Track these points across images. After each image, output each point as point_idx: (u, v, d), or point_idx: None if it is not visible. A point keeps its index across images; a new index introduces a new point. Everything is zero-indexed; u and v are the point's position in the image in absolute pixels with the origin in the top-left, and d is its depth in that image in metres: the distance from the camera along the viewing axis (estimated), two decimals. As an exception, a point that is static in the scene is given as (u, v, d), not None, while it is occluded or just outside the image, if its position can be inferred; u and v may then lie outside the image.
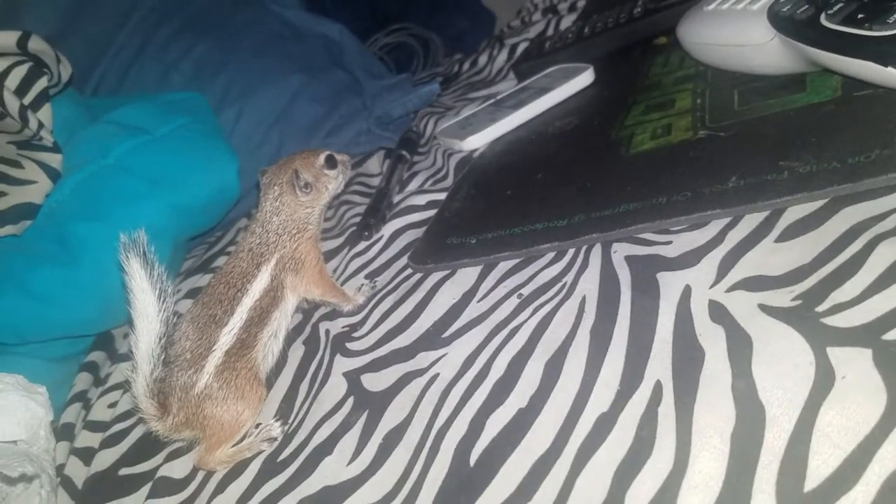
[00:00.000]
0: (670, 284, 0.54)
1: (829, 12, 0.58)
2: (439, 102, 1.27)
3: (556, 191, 0.74)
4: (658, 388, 0.47)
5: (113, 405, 0.84)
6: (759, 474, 0.39)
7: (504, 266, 0.68)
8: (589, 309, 0.57)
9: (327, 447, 0.61)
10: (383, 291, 0.76)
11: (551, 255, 0.66)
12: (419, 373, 0.62)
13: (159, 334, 0.69)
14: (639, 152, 0.72)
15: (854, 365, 0.41)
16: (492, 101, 1.06)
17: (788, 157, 0.58)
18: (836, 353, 0.42)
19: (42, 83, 0.91)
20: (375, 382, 0.64)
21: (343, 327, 0.74)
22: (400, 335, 0.68)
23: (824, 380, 0.41)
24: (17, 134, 0.89)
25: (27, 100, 0.89)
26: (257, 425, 0.69)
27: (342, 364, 0.69)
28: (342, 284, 0.81)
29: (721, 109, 0.71)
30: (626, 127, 0.78)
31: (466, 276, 0.70)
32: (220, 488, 0.64)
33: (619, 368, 0.51)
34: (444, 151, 1.01)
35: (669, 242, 0.58)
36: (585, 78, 0.96)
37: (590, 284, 0.59)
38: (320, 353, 0.73)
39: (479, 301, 0.66)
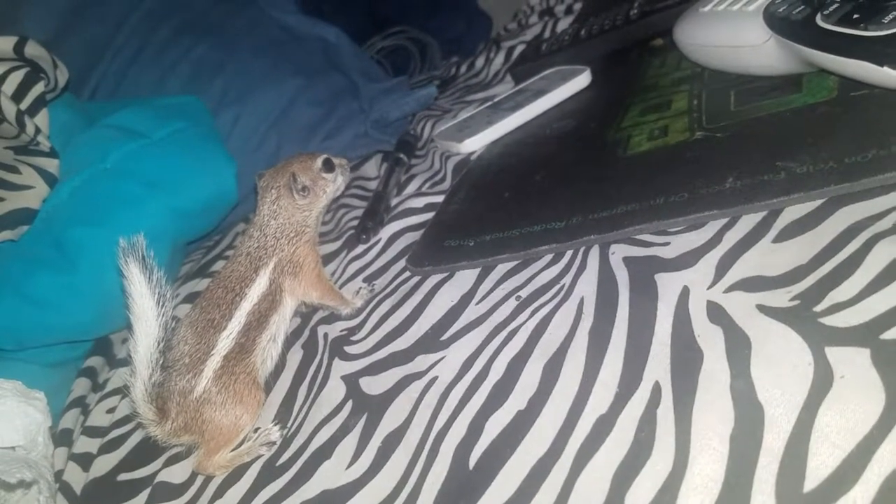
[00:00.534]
0: (668, 285, 0.54)
1: (824, 13, 0.58)
2: (436, 105, 1.27)
3: (553, 193, 0.74)
4: (657, 389, 0.47)
5: (111, 410, 0.83)
6: (759, 475, 0.39)
7: (502, 268, 0.68)
8: (587, 310, 0.57)
9: (326, 451, 0.61)
10: (381, 294, 0.76)
11: (549, 256, 0.66)
12: (418, 375, 0.62)
13: (158, 339, 0.69)
14: (636, 154, 0.72)
15: (852, 365, 0.41)
16: (489, 103, 1.06)
17: (785, 157, 0.58)
18: (834, 353, 0.42)
19: (39, 88, 0.91)
20: (374, 386, 0.64)
21: (342, 331, 0.74)
22: (398, 338, 0.68)
23: (823, 380, 0.41)
24: (14, 139, 0.89)
25: (24, 105, 0.89)
26: (256, 429, 0.69)
27: (341, 368, 0.69)
28: (340, 288, 0.81)
29: (718, 110, 0.71)
30: (623, 129, 0.78)
31: (464, 278, 0.70)
32: (220, 493, 0.64)
33: (617, 370, 0.50)
34: (441, 154, 1.00)
35: (667, 243, 0.58)
36: (582, 80, 0.96)
37: (588, 286, 0.59)
38: (319, 356, 0.73)
39: (477, 303, 0.66)
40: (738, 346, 0.46)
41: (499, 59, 1.35)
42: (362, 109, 1.23)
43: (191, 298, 0.94)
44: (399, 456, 0.56)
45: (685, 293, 0.53)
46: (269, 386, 0.73)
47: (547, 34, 1.33)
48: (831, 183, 0.53)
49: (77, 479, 0.76)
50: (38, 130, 0.89)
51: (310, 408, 0.67)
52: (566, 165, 0.79)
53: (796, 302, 0.46)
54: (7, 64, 0.90)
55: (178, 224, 0.95)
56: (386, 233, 0.86)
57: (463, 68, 1.47)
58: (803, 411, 0.40)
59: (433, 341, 0.65)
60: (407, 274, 0.77)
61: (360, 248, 0.86)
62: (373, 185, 1.07)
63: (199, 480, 0.67)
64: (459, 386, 0.58)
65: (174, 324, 0.71)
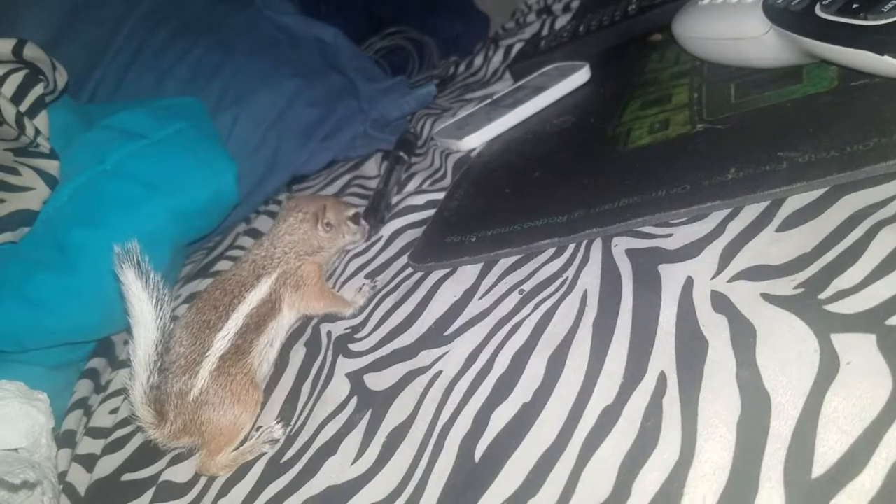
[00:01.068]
0: (672, 276, 0.54)
1: (823, 3, 0.58)
2: (436, 104, 1.27)
3: (554, 187, 0.74)
4: (662, 379, 0.47)
5: (114, 411, 0.83)
6: (766, 462, 0.39)
7: (504, 263, 0.68)
8: (591, 303, 0.57)
9: (331, 447, 0.60)
10: (384, 291, 0.76)
11: (552, 251, 0.66)
12: (422, 371, 0.62)
13: (156, 341, 0.69)
14: (637, 147, 0.72)
15: (858, 350, 0.41)
16: (489, 100, 1.06)
17: (787, 147, 0.58)
18: (840, 340, 0.42)
19: (38, 90, 0.91)
20: (378, 382, 0.64)
21: (345, 329, 0.74)
22: (402, 334, 0.68)
23: (829, 366, 0.41)
24: (13, 141, 0.89)
25: (23, 107, 0.89)
26: (258, 428, 0.69)
27: (345, 365, 0.68)
28: (342, 285, 0.81)
29: (718, 103, 0.71)
30: (624, 123, 0.78)
31: (467, 273, 0.70)
32: (224, 491, 0.64)
33: (622, 361, 0.50)
34: (441, 152, 1.00)
35: (670, 235, 0.58)
36: (582, 76, 0.96)
37: (591, 279, 0.59)
38: (322, 354, 0.73)
39: (480, 298, 0.66)
40: (744, 335, 0.46)
41: (497, 58, 1.35)
42: (361, 109, 1.23)
43: (192, 299, 0.94)
44: (404, 450, 0.55)
45: (689, 283, 0.52)
46: (272, 385, 0.73)
47: (545, 32, 1.33)
48: (833, 171, 0.53)
49: (81, 479, 0.76)
50: (37, 132, 0.89)
51: (314, 405, 0.67)
52: (567, 160, 0.79)
53: (801, 290, 0.46)
54: (6, 66, 0.90)
55: (179, 225, 0.95)
56: (387, 230, 0.86)
57: (461, 67, 1.47)
58: (810, 398, 0.40)
59: (437, 336, 0.65)
60: (409, 270, 0.76)
61: (361, 246, 0.86)
62: (373, 183, 1.07)
63: (203, 479, 0.67)
64: (464, 380, 0.58)
65: (172, 326, 0.71)
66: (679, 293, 0.52)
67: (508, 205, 0.76)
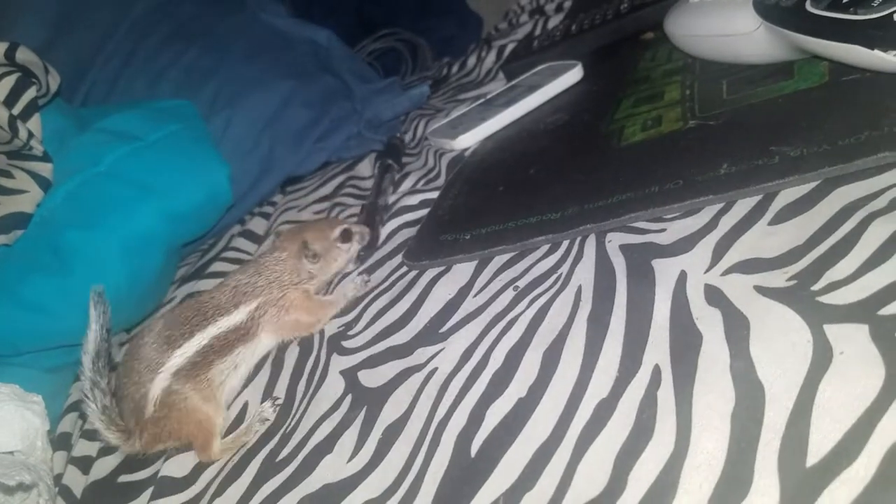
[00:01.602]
0: (665, 271, 0.54)
1: (813, -2, 0.58)
2: (429, 105, 1.28)
3: (548, 185, 0.75)
4: (657, 372, 0.47)
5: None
6: (761, 452, 0.39)
7: (499, 260, 0.68)
8: (585, 298, 0.57)
9: (327, 446, 0.60)
10: (378, 290, 0.76)
11: (546, 247, 0.66)
12: (417, 368, 0.62)
13: (94, 360, 0.70)
14: (630, 144, 0.72)
15: (851, 340, 0.41)
16: (482, 100, 1.06)
17: (779, 142, 0.58)
18: (833, 330, 0.42)
19: (31, 93, 0.91)
20: (373, 378, 0.64)
21: (338, 327, 0.74)
22: (397, 333, 0.68)
23: (822, 356, 0.41)
24: (6, 144, 0.89)
25: (16, 110, 0.89)
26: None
27: (339, 363, 0.69)
28: (339, 282, 0.81)
29: (710, 99, 0.72)
30: (617, 120, 0.79)
31: (461, 271, 0.70)
32: (220, 490, 0.63)
33: (617, 355, 0.51)
34: (435, 151, 1.01)
35: (663, 230, 0.58)
36: (574, 75, 0.97)
37: (585, 274, 0.59)
38: (315, 352, 0.73)
39: (475, 295, 0.66)
40: (737, 327, 0.46)
41: (490, 58, 1.36)
42: (355, 110, 1.23)
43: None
44: (400, 446, 0.55)
45: (683, 277, 0.53)
46: (270, 387, 0.73)
47: (538, 32, 1.33)
48: (825, 165, 0.53)
49: (77, 481, 0.75)
50: (30, 135, 0.89)
51: (309, 404, 0.67)
52: (560, 158, 0.80)
53: (794, 282, 0.47)
54: (-2, 69, 0.90)
55: (173, 226, 0.95)
56: (382, 231, 0.86)
57: (455, 68, 1.47)
58: (804, 388, 0.40)
59: (432, 334, 0.65)
60: (403, 269, 0.76)
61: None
62: (366, 184, 1.07)
63: (200, 477, 0.67)
64: (459, 376, 0.58)
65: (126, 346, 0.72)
66: (673, 287, 0.52)
67: (502, 202, 0.76)
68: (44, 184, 0.89)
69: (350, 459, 0.57)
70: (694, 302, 0.50)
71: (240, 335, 0.72)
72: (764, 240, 0.51)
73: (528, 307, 0.60)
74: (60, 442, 0.81)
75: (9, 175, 0.86)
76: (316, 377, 0.69)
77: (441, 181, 0.92)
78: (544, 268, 0.64)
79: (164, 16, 1.28)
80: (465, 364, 0.59)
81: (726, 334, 0.46)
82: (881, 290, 0.42)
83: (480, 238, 0.72)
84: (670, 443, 0.43)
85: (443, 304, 0.67)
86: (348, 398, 0.64)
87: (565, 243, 0.65)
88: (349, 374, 0.66)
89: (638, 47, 0.96)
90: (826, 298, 0.44)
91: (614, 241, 0.61)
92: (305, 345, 0.75)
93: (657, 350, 0.49)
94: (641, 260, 0.57)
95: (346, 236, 0.79)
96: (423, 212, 0.86)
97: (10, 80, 0.90)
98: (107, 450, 0.77)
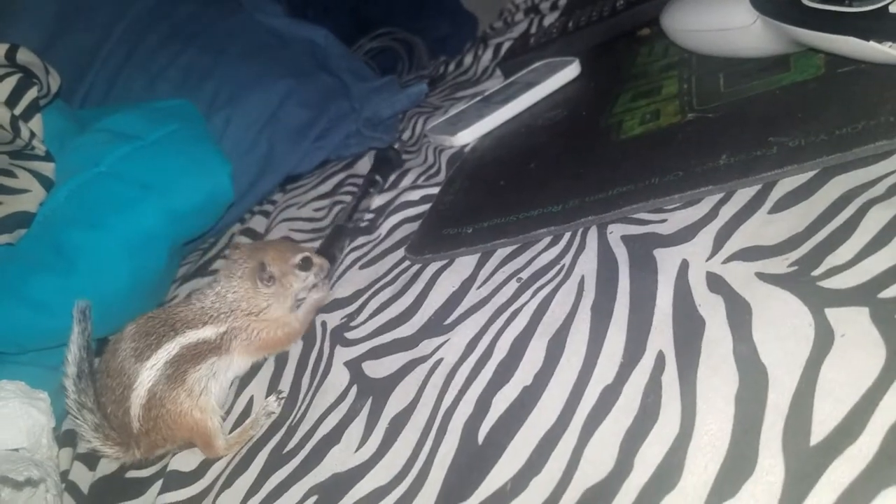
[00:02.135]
0: (667, 259, 0.55)
1: (809, -10, 0.59)
2: (427, 102, 1.28)
3: (549, 178, 0.75)
4: (661, 357, 0.48)
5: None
6: (765, 432, 0.40)
7: (501, 253, 0.69)
8: (588, 287, 0.58)
9: (334, 436, 0.61)
10: (381, 283, 0.76)
11: (548, 239, 0.67)
12: (423, 359, 0.62)
13: (75, 380, 0.71)
14: (629, 137, 0.73)
15: (852, 323, 0.42)
16: (480, 97, 1.07)
17: (777, 133, 0.59)
18: (833, 314, 0.43)
19: (32, 93, 0.91)
20: (378, 369, 0.65)
21: (341, 319, 0.75)
22: (401, 325, 0.68)
23: (824, 339, 0.42)
24: (8, 144, 0.89)
25: (18, 110, 0.89)
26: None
27: (343, 354, 0.69)
28: (339, 278, 0.82)
29: (708, 93, 0.73)
30: (615, 115, 0.79)
31: (464, 264, 0.71)
32: (229, 482, 0.64)
33: (621, 342, 0.51)
34: (435, 148, 1.01)
35: (664, 220, 0.59)
36: (571, 71, 0.97)
37: (588, 265, 0.60)
38: (318, 345, 0.73)
39: (478, 287, 0.67)
40: (739, 313, 0.47)
41: (487, 56, 1.36)
42: (353, 109, 1.24)
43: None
44: (408, 435, 0.56)
45: (684, 266, 0.54)
46: (274, 382, 0.74)
47: (533, 30, 1.34)
48: (823, 154, 0.54)
49: (84, 478, 0.76)
50: (32, 135, 0.89)
51: (314, 396, 0.67)
52: (560, 152, 0.80)
53: (794, 268, 0.47)
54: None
55: (176, 224, 0.96)
56: (384, 226, 0.87)
57: (451, 66, 1.48)
58: (806, 370, 0.41)
59: (437, 326, 0.65)
60: (406, 263, 0.77)
61: (360, 240, 0.87)
62: (367, 182, 1.07)
63: (207, 471, 0.67)
64: (465, 366, 0.58)
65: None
66: (675, 275, 0.53)
67: (503, 196, 0.77)
68: (46, 183, 0.89)
69: (358, 449, 0.58)
70: (696, 289, 0.51)
71: (211, 348, 0.71)
72: (764, 228, 0.52)
73: (531, 297, 0.61)
74: (66, 439, 0.81)
75: (12, 175, 0.87)
76: (320, 369, 0.70)
77: (441, 177, 0.93)
78: (547, 259, 0.64)
79: (160, 17, 1.28)
80: (470, 354, 0.59)
81: (729, 320, 0.47)
82: (881, 274, 0.43)
83: (482, 231, 0.72)
84: (675, 425, 0.43)
85: (447, 297, 0.68)
86: (354, 389, 0.64)
87: (567, 235, 0.66)
88: (354, 365, 0.67)
89: (634, 43, 0.97)
90: (827, 283, 0.45)
91: (616, 232, 0.62)
92: (308, 338, 0.75)
93: (661, 336, 0.50)
94: (643, 250, 0.58)
95: (305, 264, 0.75)
96: (424, 207, 0.86)
97: (11, 81, 0.90)
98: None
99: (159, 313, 0.72)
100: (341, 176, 1.14)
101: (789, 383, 0.41)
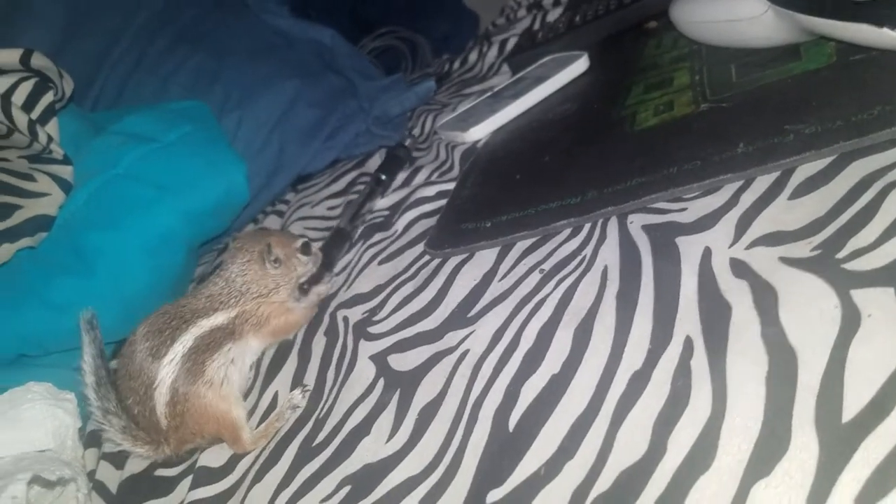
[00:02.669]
0: (690, 247, 0.56)
1: (822, -21, 0.60)
2: (435, 100, 1.29)
3: (565, 171, 0.76)
4: (689, 343, 0.49)
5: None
6: (797, 411, 0.41)
7: (521, 245, 0.70)
8: (612, 277, 0.59)
9: (363, 429, 0.62)
10: (402, 278, 0.77)
11: (567, 231, 0.68)
12: (449, 351, 0.63)
13: (95, 388, 0.72)
14: (644, 128, 0.74)
15: (878, 303, 0.43)
16: (490, 93, 1.08)
17: (792, 120, 0.60)
18: (859, 295, 0.44)
19: (48, 97, 0.92)
20: (404, 362, 0.66)
21: (363, 314, 0.76)
22: (425, 319, 0.69)
23: (851, 320, 0.43)
24: (27, 148, 0.90)
25: (35, 114, 0.90)
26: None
27: (367, 348, 0.70)
28: (359, 274, 0.83)
29: (720, 83, 0.74)
30: (628, 107, 0.80)
31: (484, 258, 0.72)
32: (259, 477, 0.65)
33: (647, 329, 0.52)
34: (447, 144, 1.02)
35: (684, 209, 0.60)
36: (581, 65, 0.98)
37: (610, 255, 0.61)
38: (342, 340, 0.74)
39: (500, 280, 0.68)
40: (765, 297, 0.48)
41: (492, 53, 1.37)
42: (362, 108, 1.25)
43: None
44: (438, 425, 0.57)
45: (707, 253, 0.54)
46: (299, 375, 0.75)
47: (537, 27, 1.35)
48: (840, 140, 0.55)
49: (111, 477, 0.77)
50: (50, 139, 0.90)
51: (340, 390, 0.68)
52: (574, 145, 0.81)
53: (818, 251, 0.48)
54: (16, 75, 0.91)
55: (192, 225, 0.97)
56: (400, 222, 0.88)
57: (456, 64, 1.48)
58: (835, 350, 0.42)
59: (460, 318, 0.66)
60: (426, 258, 0.78)
61: (376, 237, 0.88)
62: (378, 180, 1.08)
63: (237, 466, 0.68)
64: (492, 356, 0.59)
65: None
66: (698, 263, 0.54)
67: (520, 190, 0.78)
68: (65, 186, 0.90)
69: (388, 440, 0.59)
70: (720, 275, 0.52)
71: (225, 334, 0.72)
72: (785, 213, 0.53)
73: (555, 288, 0.62)
74: (92, 439, 0.82)
75: (31, 178, 0.88)
76: (345, 364, 0.71)
77: (455, 172, 0.94)
78: (568, 250, 0.65)
79: (168, 21, 1.29)
80: (496, 345, 0.60)
81: (755, 304, 0.48)
82: (904, 255, 0.44)
83: (501, 225, 0.73)
84: (707, 408, 0.44)
85: (469, 290, 0.69)
86: (381, 382, 0.65)
87: (587, 226, 0.67)
88: (379, 359, 0.68)
89: (642, 36, 0.98)
90: (851, 265, 0.46)
91: (636, 222, 0.63)
92: (331, 333, 0.76)
93: (688, 322, 0.50)
94: (665, 238, 0.59)
95: (306, 249, 0.79)
96: (440, 202, 0.87)
97: (27, 85, 0.91)
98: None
99: (168, 309, 0.73)
100: (353, 174, 1.15)
101: (819, 364, 0.42)
